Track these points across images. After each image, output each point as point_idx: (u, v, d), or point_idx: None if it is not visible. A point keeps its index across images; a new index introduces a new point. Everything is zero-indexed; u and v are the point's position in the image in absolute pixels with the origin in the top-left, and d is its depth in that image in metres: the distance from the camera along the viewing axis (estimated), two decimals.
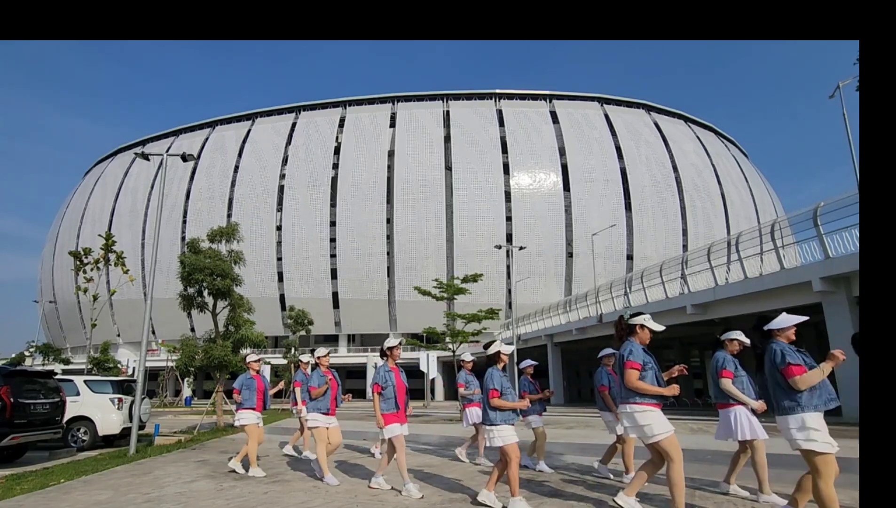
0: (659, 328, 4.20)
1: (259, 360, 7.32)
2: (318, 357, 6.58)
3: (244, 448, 6.83)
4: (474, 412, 7.29)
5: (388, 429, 5.31)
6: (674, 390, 3.93)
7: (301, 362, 8.49)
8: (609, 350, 6.16)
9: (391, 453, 5.56)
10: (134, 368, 40.42)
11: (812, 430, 3.42)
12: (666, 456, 3.84)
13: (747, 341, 5.07)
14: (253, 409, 6.90)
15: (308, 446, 8.27)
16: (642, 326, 4.13)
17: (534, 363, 7.25)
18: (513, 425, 4.67)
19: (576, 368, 42.63)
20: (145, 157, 12.55)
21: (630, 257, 50.95)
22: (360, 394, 46.24)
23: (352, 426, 13.63)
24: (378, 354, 6.20)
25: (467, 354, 7.72)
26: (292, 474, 6.63)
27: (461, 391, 7.41)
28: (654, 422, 3.86)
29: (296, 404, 8.66)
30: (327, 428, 6.30)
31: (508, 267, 46.29)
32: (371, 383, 5.40)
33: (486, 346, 5.00)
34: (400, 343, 5.66)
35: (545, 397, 7.03)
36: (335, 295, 52.18)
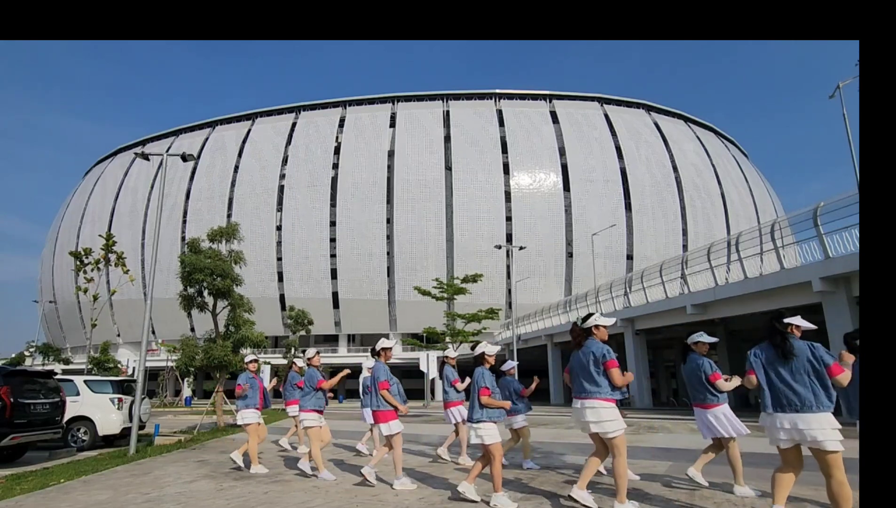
0: (609, 321, 4.46)
1: (255, 361, 7.63)
2: (309, 358, 6.91)
3: (245, 444, 7.12)
4: (457, 412, 7.33)
5: (393, 425, 5.52)
6: (628, 377, 4.37)
7: (295, 364, 8.86)
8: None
9: (386, 448, 5.71)
10: (134, 368, 40.41)
11: (838, 430, 3.42)
12: (616, 451, 4.15)
13: (714, 340, 5.43)
14: (256, 408, 7.24)
15: (303, 442, 8.54)
16: (597, 325, 4.39)
17: (515, 363, 7.36)
18: (496, 423, 4.84)
19: None
20: (145, 157, 12.54)
21: (630, 257, 50.94)
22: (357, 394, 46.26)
23: (353, 427, 13.65)
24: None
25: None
26: (292, 473, 6.62)
27: (459, 387, 7.28)
28: (615, 419, 4.21)
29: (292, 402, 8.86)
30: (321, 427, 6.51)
31: (508, 267, 46.29)
32: (380, 379, 5.54)
33: (473, 347, 5.26)
34: (392, 346, 5.85)
35: (531, 391, 7.07)
36: (335, 295, 52.16)
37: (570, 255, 50.82)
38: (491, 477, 4.70)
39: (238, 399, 7.31)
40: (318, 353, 7.05)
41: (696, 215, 53.82)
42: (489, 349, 5.10)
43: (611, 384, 4.25)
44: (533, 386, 7.05)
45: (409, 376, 49.74)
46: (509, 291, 44.31)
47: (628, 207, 51.91)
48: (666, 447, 8.92)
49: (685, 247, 49.79)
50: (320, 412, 6.52)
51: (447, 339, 22.12)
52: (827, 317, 14.82)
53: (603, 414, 4.20)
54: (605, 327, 4.43)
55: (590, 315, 4.47)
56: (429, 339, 25.85)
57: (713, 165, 57.07)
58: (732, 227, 52.16)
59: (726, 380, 5.12)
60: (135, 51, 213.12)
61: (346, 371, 7.12)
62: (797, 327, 3.69)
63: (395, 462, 5.54)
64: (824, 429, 3.41)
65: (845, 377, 3.44)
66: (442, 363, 7.51)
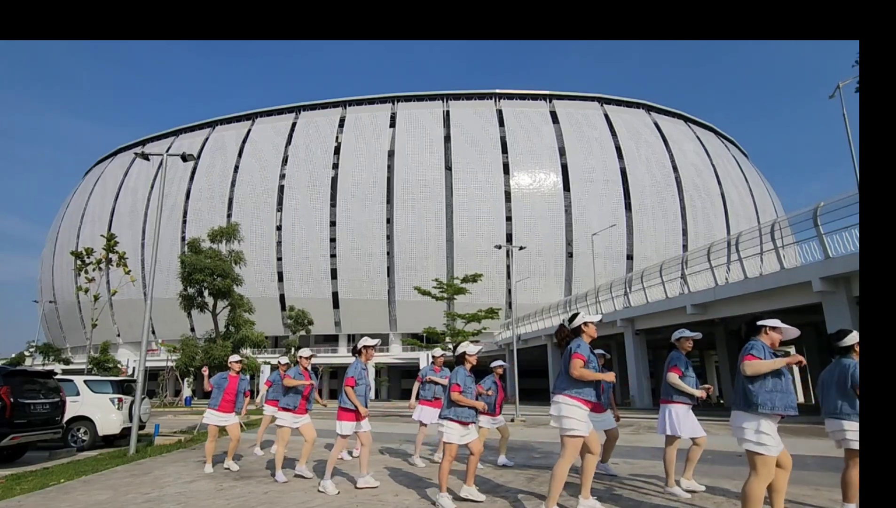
0: (596, 318, 4.35)
1: (239, 361, 7.33)
2: (300, 356, 6.58)
3: (232, 449, 7.05)
4: (422, 410, 7.38)
5: (344, 426, 5.44)
6: (610, 376, 4.09)
7: (280, 363, 8.66)
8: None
9: (365, 448, 5.62)
10: (134, 368, 40.43)
11: (764, 434, 3.37)
12: (562, 450, 4.07)
13: (697, 335, 5.50)
14: (215, 410, 6.95)
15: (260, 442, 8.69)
16: (585, 323, 4.28)
17: (504, 363, 7.31)
18: (464, 423, 4.73)
19: None
20: (145, 157, 12.54)
21: (630, 257, 50.94)
22: None
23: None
24: (378, 354, 6.20)
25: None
26: (291, 474, 6.62)
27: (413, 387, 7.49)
28: (574, 417, 4.02)
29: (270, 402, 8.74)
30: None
31: (508, 267, 46.28)
32: (347, 375, 5.46)
33: (455, 347, 5.28)
34: (375, 345, 5.73)
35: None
36: (335, 295, 52.17)
37: (570, 255, 50.83)
38: (438, 474, 4.70)
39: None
40: (311, 355, 6.57)
41: (696, 215, 53.82)
42: (470, 348, 5.12)
43: (584, 383, 4.06)
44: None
45: (409, 375, 49.76)
46: (509, 291, 44.30)
47: (628, 207, 51.91)
48: None
49: (685, 247, 49.78)
50: (294, 412, 6.29)
51: (447, 339, 22.09)
52: (827, 317, 14.82)
53: (563, 410, 4.06)
54: (593, 324, 4.30)
55: (576, 315, 4.36)
56: (429, 339, 25.83)
57: (713, 165, 57.08)
58: (732, 227, 52.16)
59: (707, 389, 5.29)
60: (135, 51, 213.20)
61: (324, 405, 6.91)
62: (772, 328, 3.59)
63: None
64: (737, 426, 3.51)
65: (747, 364, 3.42)
66: (431, 362, 7.61)
